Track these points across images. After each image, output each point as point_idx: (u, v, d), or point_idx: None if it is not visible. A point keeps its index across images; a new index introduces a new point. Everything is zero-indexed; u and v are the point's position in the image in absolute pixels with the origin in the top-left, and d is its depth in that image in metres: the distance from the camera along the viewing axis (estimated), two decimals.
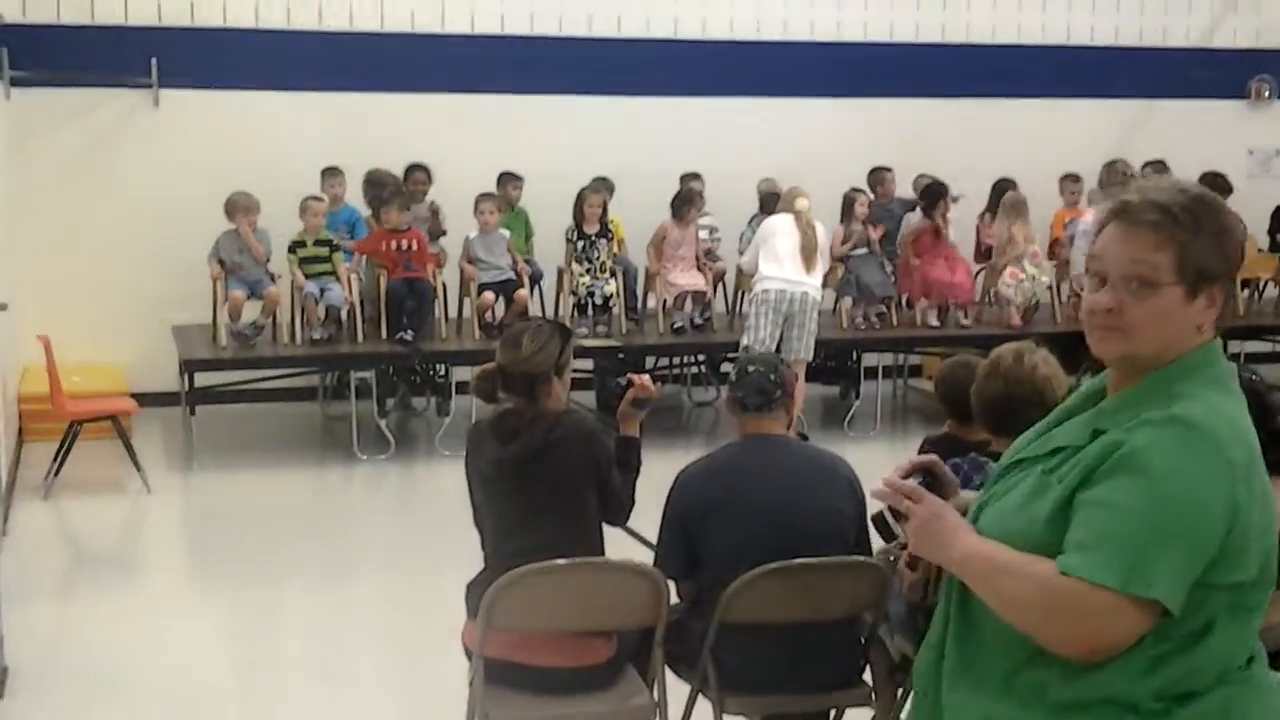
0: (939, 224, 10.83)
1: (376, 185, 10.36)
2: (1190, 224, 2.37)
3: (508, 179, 10.89)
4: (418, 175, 10.71)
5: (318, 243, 9.96)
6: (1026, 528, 2.41)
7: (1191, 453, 2.30)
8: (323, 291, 9.79)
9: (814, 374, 10.63)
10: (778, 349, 9.37)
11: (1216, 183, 10.65)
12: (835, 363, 11.37)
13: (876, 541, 4.60)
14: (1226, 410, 2.37)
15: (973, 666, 2.50)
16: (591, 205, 10.36)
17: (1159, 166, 11.17)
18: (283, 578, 7.48)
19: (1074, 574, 2.29)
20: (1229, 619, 2.37)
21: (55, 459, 8.69)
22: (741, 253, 10.58)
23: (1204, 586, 2.31)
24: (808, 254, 9.58)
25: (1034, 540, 2.38)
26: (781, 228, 9.68)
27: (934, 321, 10.90)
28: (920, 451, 4.70)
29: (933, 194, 10.95)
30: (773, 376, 4.51)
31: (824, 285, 10.04)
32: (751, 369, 4.54)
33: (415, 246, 9.98)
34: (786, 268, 9.57)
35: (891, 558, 4.66)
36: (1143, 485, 2.29)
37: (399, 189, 10.29)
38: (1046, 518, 2.38)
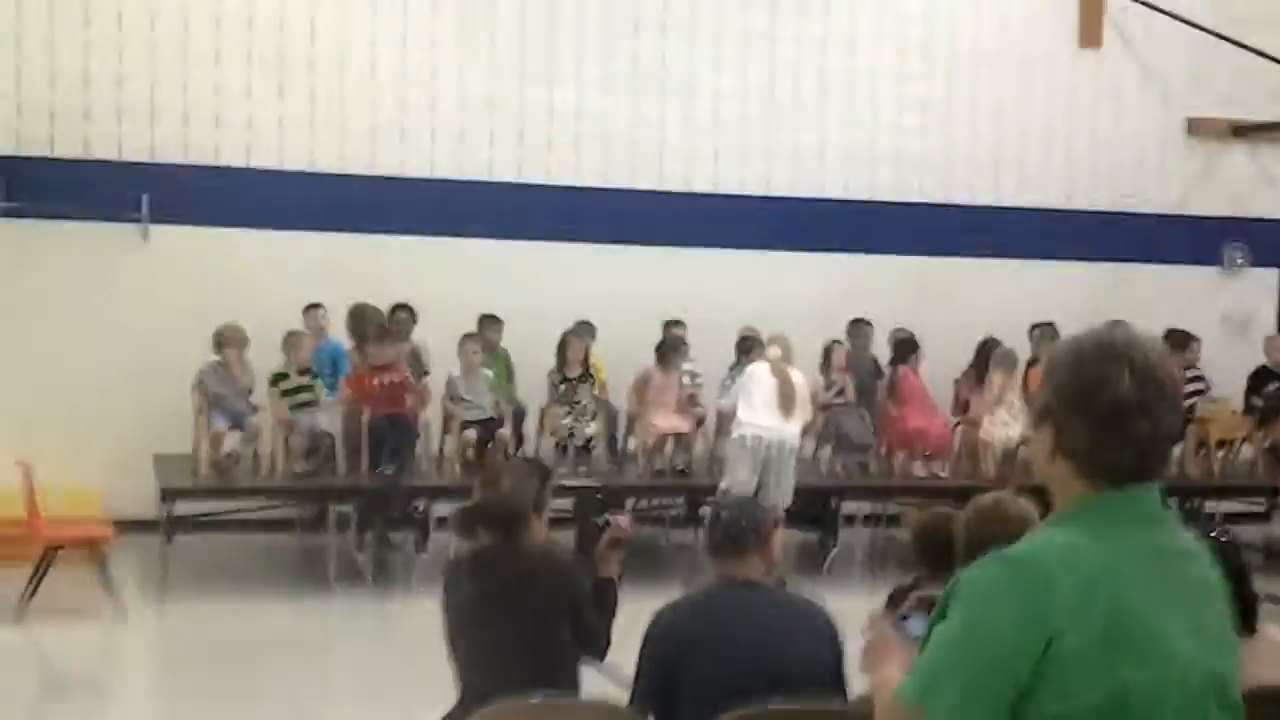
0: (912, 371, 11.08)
1: (361, 319, 10.49)
2: (1041, 368, 2.58)
3: (488, 322, 11.02)
4: (401, 315, 10.82)
5: (300, 372, 10.06)
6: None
7: (1000, 585, 2.38)
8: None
9: (793, 520, 10.68)
10: (755, 494, 9.44)
11: (1175, 338, 11.18)
12: (815, 510, 11.44)
13: (858, 686, 4.62)
14: (1071, 544, 2.40)
15: None
16: (574, 349, 10.51)
17: (1048, 329, 11.58)
18: (257, 711, 7.39)
19: (897, 693, 2.42)
20: None
21: (30, 583, 8.63)
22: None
23: (1025, 715, 2.36)
24: (785, 401, 9.70)
25: None
26: (760, 374, 9.84)
27: (920, 472, 11.00)
28: (888, 602, 4.75)
29: (904, 349, 11.21)
30: (744, 521, 4.48)
31: (804, 433, 10.14)
32: (724, 514, 4.52)
33: (399, 382, 10.08)
34: (762, 414, 9.69)
35: (868, 704, 4.68)
36: (955, 613, 2.41)
37: (384, 325, 10.41)
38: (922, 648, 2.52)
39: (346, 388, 10.27)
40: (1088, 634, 2.35)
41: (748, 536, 4.47)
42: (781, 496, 9.74)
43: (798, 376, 9.94)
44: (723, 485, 9.71)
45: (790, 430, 9.76)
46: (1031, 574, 2.38)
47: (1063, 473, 2.47)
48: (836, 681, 4.45)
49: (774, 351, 9.90)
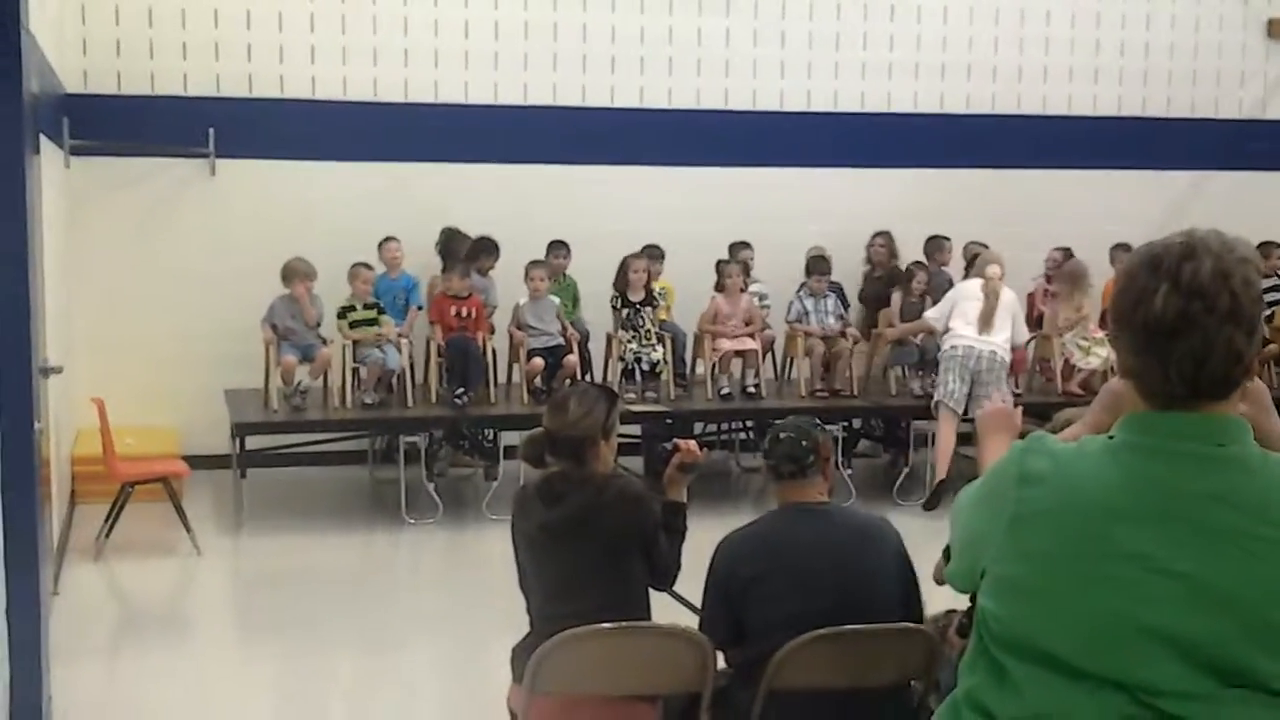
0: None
1: (453, 238, 10.70)
2: None
3: (555, 248, 10.96)
4: (483, 245, 10.78)
5: (366, 306, 10.09)
6: None
7: (990, 474, 2.44)
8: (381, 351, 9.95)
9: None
10: (967, 407, 9.71)
11: (1260, 247, 11.13)
12: (885, 430, 11.38)
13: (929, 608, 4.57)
14: (1079, 458, 2.31)
15: None
16: (636, 272, 10.41)
17: (1123, 250, 11.32)
18: (330, 641, 7.48)
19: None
20: (982, 652, 2.38)
21: (107, 520, 8.75)
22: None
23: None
24: (985, 318, 9.88)
25: None
26: (973, 291, 10.06)
27: None
28: None
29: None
30: (804, 443, 4.45)
31: (1014, 350, 10.25)
32: (783, 436, 4.49)
33: (474, 314, 10.12)
34: (973, 329, 9.91)
35: (941, 624, 4.63)
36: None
37: (474, 250, 10.56)
38: None
39: (428, 313, 10.29)
40: (1010, 547, 2.32)
41: (806, 459, 4.43)
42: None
43: (1008, 295, 10.10)
44: (936, 397, 9.99)
45: (998, 341, 9.89)
46: (1010, 470, 2.35)
47: (1131, 392, 2.33)
48: (906, 601, 4.40)
49: (993, 270, 10.03)
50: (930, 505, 9.65)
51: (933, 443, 11.01)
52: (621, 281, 10.40)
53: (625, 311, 10.39)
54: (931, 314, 10.46)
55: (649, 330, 10.36)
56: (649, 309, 10.41)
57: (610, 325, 10.62)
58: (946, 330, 10.10)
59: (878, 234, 11.68)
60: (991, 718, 2.33)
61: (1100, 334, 10.76)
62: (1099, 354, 10.70)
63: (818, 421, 4.64)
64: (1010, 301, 10.15)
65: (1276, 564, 2.18)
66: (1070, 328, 10.88)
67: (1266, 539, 2.18)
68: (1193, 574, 2.18)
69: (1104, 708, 2.21)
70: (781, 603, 4.30)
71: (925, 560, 4.36)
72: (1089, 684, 2.21)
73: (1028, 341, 11.28)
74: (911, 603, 4.41)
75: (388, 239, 10.68)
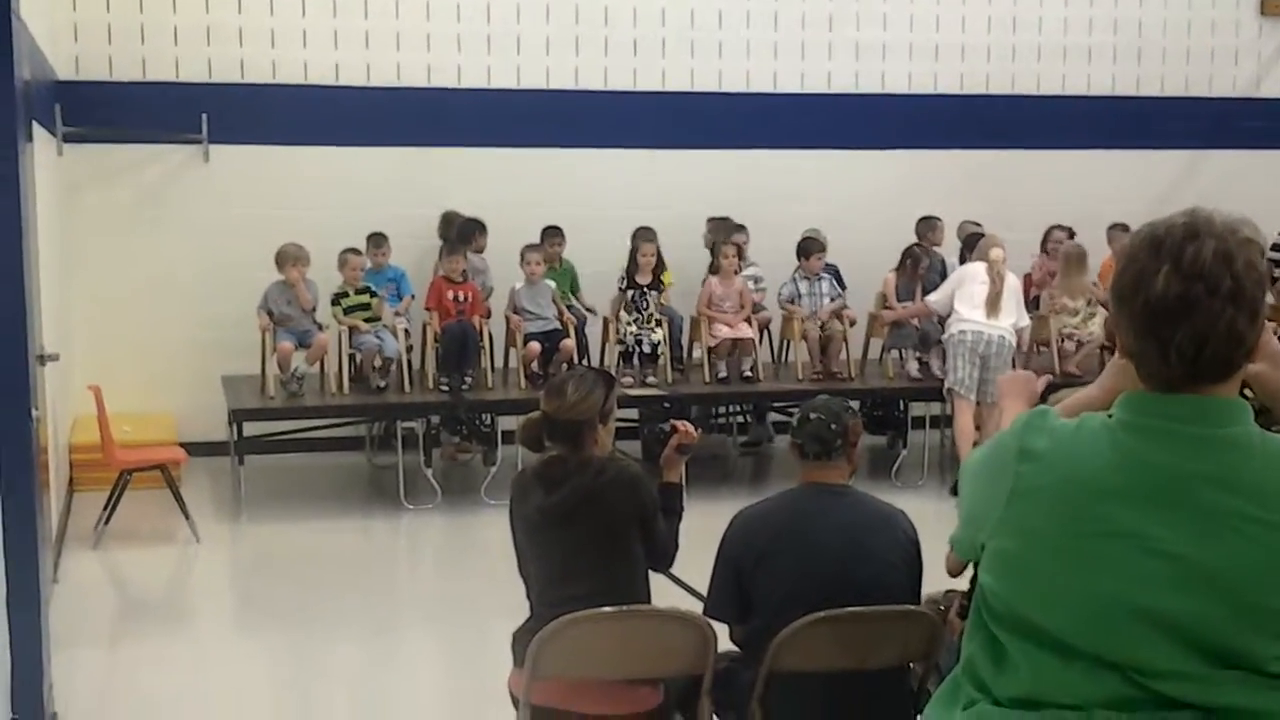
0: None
1: (449, 225, 10.70)
2: None
3: (550, 233, 10.94)
4: (471, 228, 10.79)
5: (359, 291, 10.09)
6: None
7: (989, 450, 2.45)
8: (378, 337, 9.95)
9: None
10: (978, 389, 9.80)
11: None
12: (882, 412, 11.37)
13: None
14: (1077, 436, 2.31)
15: None
16: (645, 255, 10.41)
17: (1120, 229, 11.33)
18: (330, 627, 7.48)
19: None
20: (980, 628, 2.38)
21: (105, 508, 8.74)
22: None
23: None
24: (992, 302, 9.93)
25: None
26: (977, 274, 10.09)
27: None
28: None
29: (975, 243, 11.00)
30: (833, 425, 4.46)
31: (1019, 334, 10.32)
32: (813, 416, 4.50)
33: (470, 298, 10.13)
34: (979, 313, 9.95)
35: (941, 607, 4.64)
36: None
37: (464, 233, 10.53)
38: None
39: (426, 299, 10.27)
40: (1010, 520, 2.32)
41: (834, 441, 4.44)
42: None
43: (1011, 280, 10.14)
44: (946, 384, 10.02)
45: (1004, 326, 9.95)
46: (1011, 444, 2.36)
47: (1133, 373, 2.32)
48: (914, 592, 4.41)
49: (996, 253, 10.10)
50: (957, 491, 9.62)
51: (931, 425, 11.06)
52: (632, 264, 10.41)
53: (631, 293, 10.40)
54: (934, 298, 10.47)
55: (651, 314, 10.37)
56: (654, 292, 10.42)
57: (608, 309, 10.62)
58: (951, 313, 10.11)
59: (710, 218, 11.43)
60: (989, 694, 2.32)
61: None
62: (1097, 321, 10.73)
63: (849, 404, 4.64)
64: (1014, 285, 10.18)
65: (1268, 547, 2.16)
66: (1071, 312, 10.86)
67: (1260, 521, 2.17)
68: (1186, 555, 2.17)
69: (1099, 688, 2.20)
70: (789, 579, 4.30)
71: (929, 545, 4.35)
72: (1084, 663, 2.21)
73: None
74: (913, 597, 4.41)
75: (374, 238, 10.61)
